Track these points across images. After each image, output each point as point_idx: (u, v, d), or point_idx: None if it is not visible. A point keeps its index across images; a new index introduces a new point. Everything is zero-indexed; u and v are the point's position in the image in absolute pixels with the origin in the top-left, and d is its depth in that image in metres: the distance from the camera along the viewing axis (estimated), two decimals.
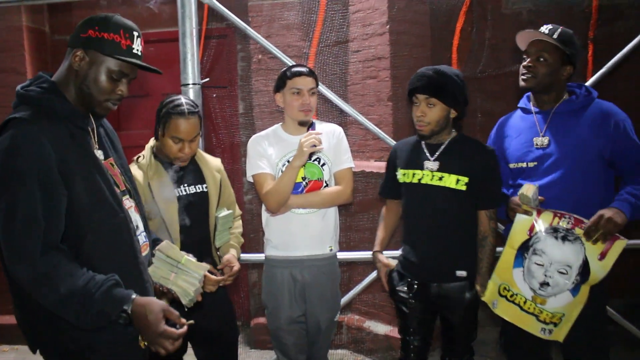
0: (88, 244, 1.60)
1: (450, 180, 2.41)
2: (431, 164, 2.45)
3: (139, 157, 2.42)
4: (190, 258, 1.89)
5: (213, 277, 2.32)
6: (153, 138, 2.49)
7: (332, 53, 3.73)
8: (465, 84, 2.45)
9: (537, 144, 2.41)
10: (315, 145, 2.45)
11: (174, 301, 1.87)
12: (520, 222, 2.38)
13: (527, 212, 2.35)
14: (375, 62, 3.72)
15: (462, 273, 2.43)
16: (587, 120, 2.35)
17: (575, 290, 2.27)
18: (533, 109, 2.48)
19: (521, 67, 2.42)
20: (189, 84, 2.90)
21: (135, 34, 1.69)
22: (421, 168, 2.47)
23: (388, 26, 3.62)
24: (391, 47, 3.63)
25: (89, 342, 1.63)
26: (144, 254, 1.80)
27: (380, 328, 3.81)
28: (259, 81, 4.01)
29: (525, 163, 2.43)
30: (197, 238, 2.44)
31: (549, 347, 2.51)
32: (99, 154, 1.73)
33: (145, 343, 1.62)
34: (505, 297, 2.40)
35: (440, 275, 2.46)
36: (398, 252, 2.72)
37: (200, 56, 2.98)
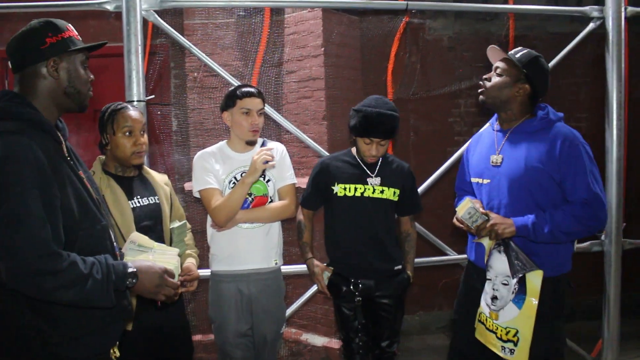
0: (77, 250, 1.61)
1: (389, 193, 2.75)
2: (374, 180, 2.74)
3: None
4: (161, 244, 1.95)
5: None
6: (99, 156, 2.49)
7: (269, 73, 3.83)
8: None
9: (492, 162, 2.47)
10: (267, 162, 2.54)
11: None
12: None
13: (469, 230, 2.46)
14: (310, 82, 3.86)
15: (398, 267, 2.80)
16: (542, 143, 2.34)
17: (518, 302, 2.31)
18: (496, 127, 2.55)
19: (482, 79, 2.51)
20: (134, 101, 2.89)
21: (70, 24, 1.78)
22: (364, 183, 2.73)
23: (323, 49, 3.77)
24: (326, 69, 3.79)
25: (71, 355, 1.65)
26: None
27: (318, 340, 3.90)
28: (194, 99, 4.02)
29: (481, 179, 2.53)
30: None
31: None
32: (72, 165, 1.76)
33: (117, 352, 1.68)
34: (479, 320, 2.50)
35: (380, 272, 2.75)
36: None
37: (145, 72, 2.98)
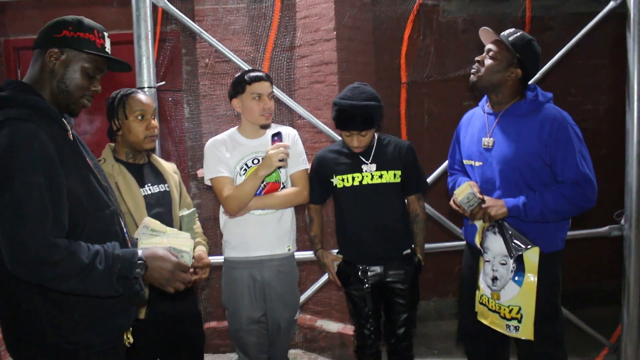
0: (85, 237, 1.61)
1: (389, 176, 2.71)
2: (369, 167, 2.71)
3: (100, 160, 2.38)
4: (173, 228, 1.94)
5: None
6: (109, 144, 2.48)
7: (280, 57, 3.78)
8: (379, 98, 2.67)
9: (484, 144, 2.49)
10: (282, 160, 2.52)
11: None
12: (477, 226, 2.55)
13: (464, 213, 2.49)
14: (323, 67, 3.81)
15: (407, 251, 2.76)
16: (531, 125, 2.36)
17: (518, 280, 2.37)
18: (487, 109, 2.55)
19: (474, 61, 2.49)
20: (144, 87, 2.87)
21: (106, 34, 1.77)
22: (360, 171, 2.72)
23: (335, 32, 3.72)
24: (338, 53, 3.73)
25: (85, 341, 1.65)
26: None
27: (333, 326, 3.89)
28: (206, 85, 4.00)
29: (473, 161, 2.56)
30: None
31: (508, 340, 2.63)
32: (81, 152, 1.76)
33: (131, 338, 1.69)
34: (481, 302, 2.54)
35: (389, 259, 2.73)
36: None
37: (155, 58, 2.96)
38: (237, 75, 2.70)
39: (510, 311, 2.39)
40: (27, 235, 1.47)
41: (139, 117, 2.37)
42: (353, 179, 2.71)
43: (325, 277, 3.38)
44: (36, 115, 1.61)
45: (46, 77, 1.70)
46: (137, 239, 1.91)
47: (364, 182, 2.70)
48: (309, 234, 2.91)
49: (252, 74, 2.66)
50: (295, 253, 2.84)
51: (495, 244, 2.43)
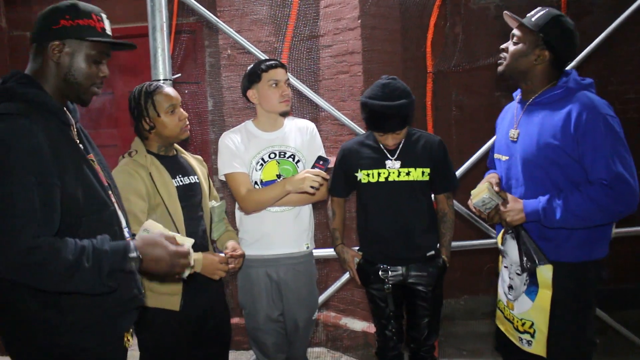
0: (81, 237, 1.55)
1: (417, 174, 2.57)
2: (392, 163, 2.58)
3: (131, 152, 2.34)
4: (176, 234, 1.86)
5: (220, 256, 2.36)
6: (135, 140, 2.41)
7: (304, 48, 3.68)
8: (410, 91, 2.53)
9: (510, 136, 2.27)
10: (314, 187, 2.42)
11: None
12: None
13: (482, 215, 2.30)
14: (348, 56, 3.69)
15: (431, 253, 2.62)
16: (557, 116, 2.08)
17: (531, 294, 2.14)
18: (518, 98, 2.32)
19: (500, 49, 2.29)
20: (160, 80, 2.80)
21: (104, 15, 1.71)
22: (384, 167, 2.59)
23: (359, 21, 3.59)
24: (363, 42, 3.60)
25: (79, 344, 1.61)
26: None
27: (357, 324, 3.79)
28: (229, 77, 3.92)
29: (500, 155, 2.34)
30: (194, 231, 2.37)
31: None
32: (81, 148, 1.71)
33: (131, 340, 1.65)
34: (498, 308, 2.38)
35: (412, 259, 2.60)
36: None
37: (171, 51, 2.89)
38: (250, 67, 2.61)
39: (523, 324, 2.20)
40: (7, 240, 1.41)
41: (171, 112, 2.33)
42: (379, 174, 2.59)
43: (347, 275, 3.28)
44: (34, 109, 1.56)
45: (50, 70, 1.65)
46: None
47: (390, 179, 2.57)
48: (330, 228, 2.81)
49: (267, 63, 2.59)
50: (318, 250, 2.75)
51: (512, 251, 2.21)
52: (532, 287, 2.13)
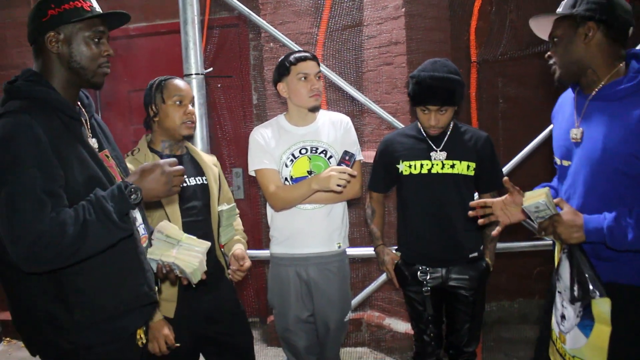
0: None
1: (462, 167, 2.46)
2: (438, 154, 2.47)
3: (134, 150, 2.35)
4: (191, 236, 1.86)
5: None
6: (145, 134, 2.43)
7: (345, 39, 3.56)
8: (462, 77, 2.39)
9: (572, 137, 1.86)
10: (341, 186, 2.32)
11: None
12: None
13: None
14: (391, 47, 3.54)
15: (474, 255, 2.49)
16: (630, 115, 1.70)
17: (585, 329, 1.74)
18: (577, 89, 1.93)
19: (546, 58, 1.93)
20: (191, 74, 2.78)
21: None
22: (429, 159, 2.48)
23: (403, 9, 3.43)
24: (407, 32, 3.44)
25: (84, 341, 1.61)
26: (143, 244, 1.78)
27: (401, 326, 3.65)
28: (271, 70, 3.85)
29: (560, 159, 1.96)
30: (200, 233, 2.30)
31: None
32: (93, 142, 1.71)
33: (144, 338, 1.70)
34: (551, 338, 1.99)
35: (453, 261, 2.48)
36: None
37: (204, 46, 2.85)
38: (281, 58, 2.52)
39: None
40: (22, 231, 1.43)
41: (177, 102, 2.32)
42: (422, 166, 2.47)
43: (386, 275, 3.16)
44: (36, 106, 1.56)
45: (54, 64, 1.64)
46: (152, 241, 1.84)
47: (433, 171, 2.45)
48: (369, 227, 2.71)
49: (296, 55, 2.50)
50: (357, 249, 2.64)
51: (566, 274, 1.81)
52: (587, 320, 1.74)
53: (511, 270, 3.48)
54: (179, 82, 2.37)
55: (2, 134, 1.49)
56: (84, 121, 1.72)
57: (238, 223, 2.59)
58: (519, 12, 3.34)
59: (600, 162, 1.75)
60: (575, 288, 1.75)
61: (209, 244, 1.82)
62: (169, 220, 2.20)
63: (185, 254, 1.78)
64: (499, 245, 2.59)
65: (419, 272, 2.49)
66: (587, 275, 1.71)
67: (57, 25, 1.62)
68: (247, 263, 2.42)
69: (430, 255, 2.49)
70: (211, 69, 2.88)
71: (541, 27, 1.91)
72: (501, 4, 3.31)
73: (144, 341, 1.79)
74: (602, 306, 1.70)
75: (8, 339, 4.39)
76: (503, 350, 3.62)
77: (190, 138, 2.48)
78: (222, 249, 2.49)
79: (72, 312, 1.58)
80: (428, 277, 2.48)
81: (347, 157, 2.36)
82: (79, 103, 1.74)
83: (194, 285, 1.83)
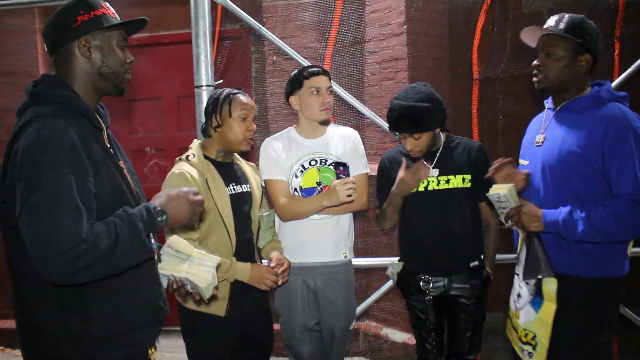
0: None
1: (457, 181, 2.52)
2: (432, 171, 2.53)
3: (188, 155, 2.37)
4: (201, 250, 1.85)
5: (268, 267, 2.38)
6: (195, 139, 2.48)
7: (348, 54, 3.65)
8: (439, 99, 2.46)
9: (535, 141, 2.22)
10: (350, 195, 2.39)
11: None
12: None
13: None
14: (393, 63, 3.64)
15: (475, 264, 2.54)
16: (584, 124, 2.03)
17: (536, 305, 2.10)
18: (549, 104, 2.27)
19: (532, 67, 2.21)
20: (202, 86, 2.83)
21: (107, 3, 1.72)
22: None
23: (405, 26, 3.53)
24: (409, 48, 3.55)
25: (100, 357, 1.58)
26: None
27: (398, 336, 3.71)
28: (274, 83, 3.94)
29: (522, 160, 2.30)
30: (242, 238, 2.40)
31: None
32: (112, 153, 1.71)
33: (155, 353, 1.61)
34: (508, 315, 2.36)
35: (455, 270, 2.54)
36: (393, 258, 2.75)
37: (214, 57, 2.91)
38: (294, 72, 2.60)
39: (526, 335, 2.16)
40: (55, 238, 1.38)
41: (242, 118, 2.36)
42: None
43: (388, 285, 3.23)
44: (67, 112, 1.56)
45: (82, 69, 1.64)
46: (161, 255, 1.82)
47: (430, 188, 2.52)
48: (381, 211, 2.70)
49: (309, 69, 2.58)
50: (359, 259, 2.70)
51: (524, 258, 2.15)
52: (538, 298, 2.08)
53: (510, 281, 3.55)
54: (246, 98, 2.41)
55: (38, 136, 1.46)
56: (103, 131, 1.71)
57: (274, 228, 2.65)
58: (516, 33, 3.46)
59: (557, 161, 2.06)
60: (527, 270, 2.09)
61: (219, 258, 1.80)
62: (224, 223, 2.30)
63: (197, 269, 1.75)
64: (498, 256, 2.65)
65: (421, 282, 2.55)
66: (540, 257, 2.05)
67: (89, 31, 1.62)
68: (287, 264, 2.46)
69: (432, 265, 2.55)
70: (221, 80, 2.94)
71: (532, 36, 2.19)
72: (501, 25, 3.43)
73: (155, 357, 1.79)
74: (550, 285, 2.04)
75: (2, 347, 4.35)
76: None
77: (246, 154, 2.54)
78: (260, 253, 2.56)
79: (91, 324, 1.55)
80: (430, 286, 2.54)
81: (340, 168, 2.43)
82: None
83: (206, 301, 1.80)
